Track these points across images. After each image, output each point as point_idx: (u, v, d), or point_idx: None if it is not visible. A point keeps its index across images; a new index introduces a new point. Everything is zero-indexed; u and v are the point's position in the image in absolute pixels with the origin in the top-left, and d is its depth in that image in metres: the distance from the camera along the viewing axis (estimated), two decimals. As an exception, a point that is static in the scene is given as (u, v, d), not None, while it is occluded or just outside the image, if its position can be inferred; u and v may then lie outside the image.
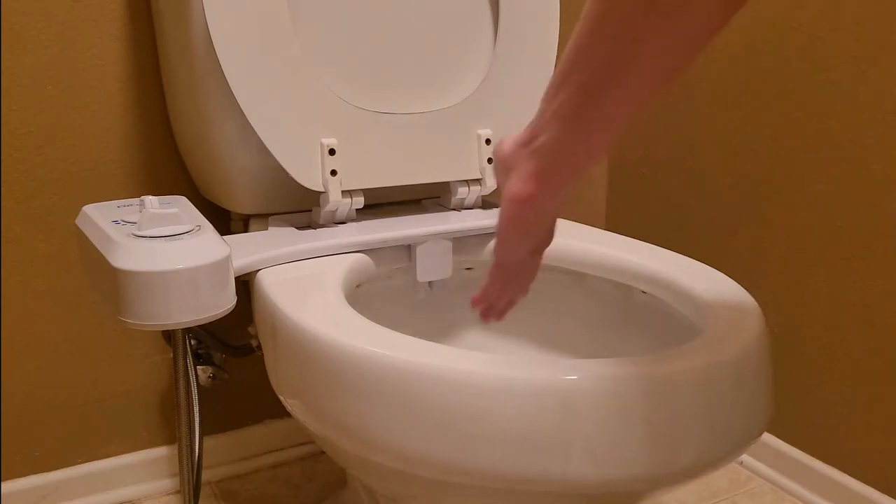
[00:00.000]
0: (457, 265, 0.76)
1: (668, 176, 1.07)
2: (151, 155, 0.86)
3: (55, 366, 0.86)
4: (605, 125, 0.41)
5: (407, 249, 0.72)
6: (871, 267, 0.83)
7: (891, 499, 0.84)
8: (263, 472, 0.99)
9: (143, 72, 0.83)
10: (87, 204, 0.61)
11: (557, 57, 0.83)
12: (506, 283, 0.56)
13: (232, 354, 0.85)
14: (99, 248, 0.53)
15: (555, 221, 0.51)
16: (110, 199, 0.81)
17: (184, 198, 0.63)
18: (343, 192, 0.71)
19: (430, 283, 0.77)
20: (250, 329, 0.71)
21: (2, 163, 0.79)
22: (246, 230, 0.76)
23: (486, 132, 0.78)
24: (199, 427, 0.67)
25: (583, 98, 0.40)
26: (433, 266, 0.72)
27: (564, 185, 0.45)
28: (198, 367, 0.88)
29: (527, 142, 0.45)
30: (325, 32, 0.71)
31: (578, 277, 0.74)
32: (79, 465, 0.90)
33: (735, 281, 0.60)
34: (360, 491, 0.72)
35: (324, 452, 0.98)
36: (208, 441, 0.96)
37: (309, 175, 0.70)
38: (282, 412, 1.00)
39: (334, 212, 0.72)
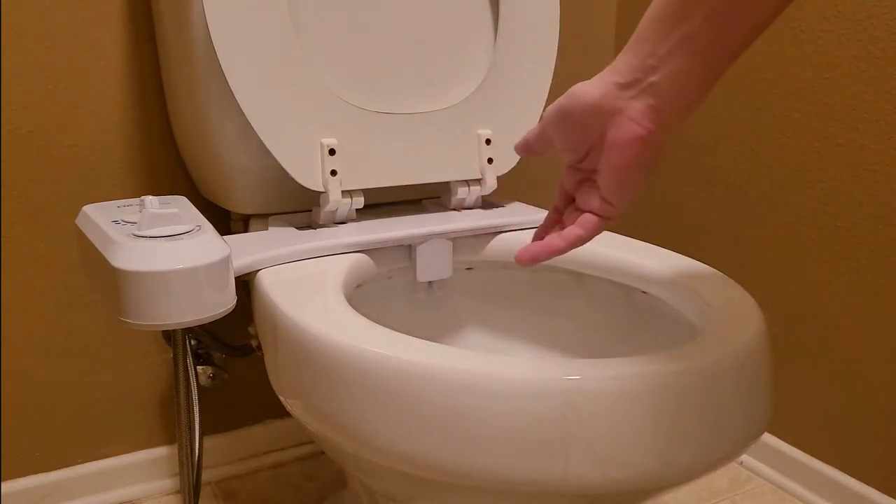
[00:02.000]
0: (457, 265, 0.76)
1: (667, 176, 1.07)
2: (151, 155, 0.86)
3: (55, 366, 0.86)
4: (733, 50, 0.40)
5: (407, 249, 0.72)
6: (871, 267, 0.83)
7: (891, 499, 0.84)
8: (263, 472, 0.99)
9: (143, 72, 0.83)
10: (87, 204, 0.61)
11: (557, 57, 0.83)
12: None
13: (232, 354, 0.85)
14: (99, 248, 0.53)
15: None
16: (110, 199, 0.81)
17: (184, 198, 0.63)
18: (343, 192, 0.71)
19: (430, 283, 0.77)
20: (250, 329, 0.71)
21: (2, 163, 0.79)
22: (246, 230, 0.76)
23: (486, 132, 0.78)
24: (199, 427, 0.67)
25: (716, 24, 0.39)
26: (433, 266, 0.72)
27: (686, 116, 0.44)
28: (198, 367, 0.88)
29: (630, 83, 0.43)
30: (325, 32, 0.71)
31: (578, 277, 0.74)
32: (79, 465, 0.90)
33: (735, 281, 0.60)
34: (360, 491, 0.72)
35: (324, 452, 0.98)
36: (208, 441, 0.96)
37: (309, 175, 0.70)
38: (282, 412, 1.00)
39: (334, 212, 0.72)
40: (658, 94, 0.43)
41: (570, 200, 0.52)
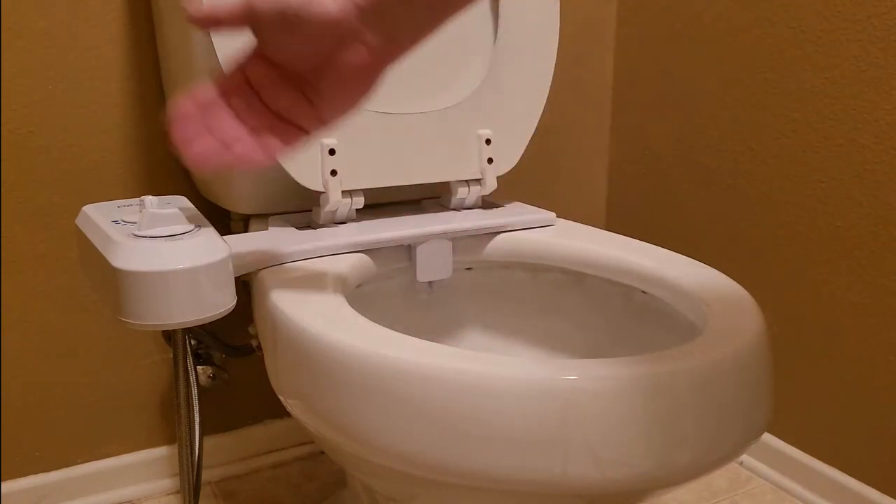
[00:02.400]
0: (457, 265, 0.76)
1: (668, 176, 1.07)
2: (151, 155, 0.86)
3: (55, 366, 0.86)
4: None
5: (407, 249, 0.72)
6: (871, 267, 0.83)
7: (891, 499, 0.84)
8: (263, 472, 0.99)
9: (143, 72, 0.83)
10: (87, 204, 0.61)
11: (557, 57, 0.83)
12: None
13: (232, 354, 0.85)
14: (99, 248, 0.53)
15: None
16: (110, 199, 0.81)
17: (184, 198, 0.63)
18: (343, 192, 0.71)
19: (430, 283, 0.77)
20: (250, 329, 0.71)
21: (2, 163, 0.79)
22: (246, 230, 0.76)
23: (486, 132, 0.78)
24: (199, 427, 0.67)
25: None
26: (433, 266, 0.72)
27: (414, 48, 0.43)
28: (198, 367, 0.88)
29: (372, 9, 0.41)
30: (325, 32, 0.71)
31: (578, 277, 0.74)
32: (79, 465, 0.90)
33: (735, 281, 0.60)
34: (360, 491, 0.72)
35: (324, 452, 0.98)
36: (208, 441, 0.96)
37: (309, 175, 0.70)
38: (282, 412, 1.00)
39: (334, 212, 0.72)
40: (396, 27, 0.42)
41: (245, 85, 0.46)
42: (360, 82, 0.44)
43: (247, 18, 0.43)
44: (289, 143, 0.45)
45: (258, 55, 0.45)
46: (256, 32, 0.44)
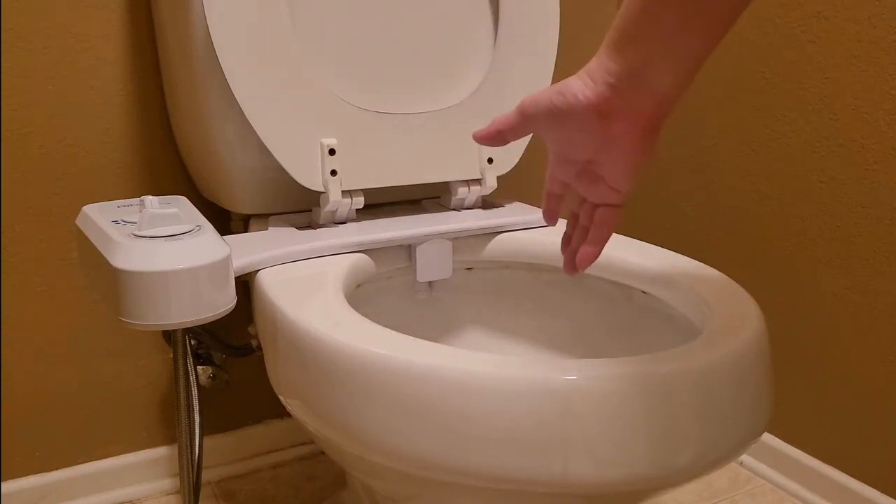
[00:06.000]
0: (457, 265, 0.76)
1: (668, 176, 1.07)
2: (151, 155, 0.86)
3: (55, 366, 0.86)
4: (718, 31, 0.40)
5: (407, 249, 0.72)
6: (871, 267, 0.83)
7: (891, 499, 0.84)
8: (263, 472, 0.99)
9: (143, 72, 0.83)
10: (87, 204, 0.61)
11: (557, 57, 0.83)
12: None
13: (232, 354, 0.85)
14: (99, 248, 0.53)
15: None
16: (110, 199, 0.81)
17: (184, 198, 0.63)
18: (343, 192, 0.71)
19: (430, 283, 0.77)
20: (250, 329, 0.71)
21: (2, 163, 0.79)
22: (246, 230, 0.76)
23: (486, 132, 0.78)
24: (199, 427, 0.67)
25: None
26: (433, 266, 0.72)
27: (684, 93, 0.45)
28: (198, 367, 0.88)
29: (625, 84, 0.43)
30: (325, 32, 0.71)
31: (578, 277, 0.74)
32: (79, 465, 0.90)
33: (735, 281, 0.60)
34: (360, 491, 0.72)
35: (324, 452, 0.98)
36: (208, 441, 0.96)
37: (309, 175, 0.70)
38: (282, 412, 1.00)
39: (334, 212, 0.72)
40: (656, 89, 0.42)
41: (567, 188, 0.53)
42: (639, 145, 0.45)
43: (523, 125, 0.49)
44: (612, 224, 0.51)
45: (557, 160, 0.50)
46: (541, 135, 0.49)
